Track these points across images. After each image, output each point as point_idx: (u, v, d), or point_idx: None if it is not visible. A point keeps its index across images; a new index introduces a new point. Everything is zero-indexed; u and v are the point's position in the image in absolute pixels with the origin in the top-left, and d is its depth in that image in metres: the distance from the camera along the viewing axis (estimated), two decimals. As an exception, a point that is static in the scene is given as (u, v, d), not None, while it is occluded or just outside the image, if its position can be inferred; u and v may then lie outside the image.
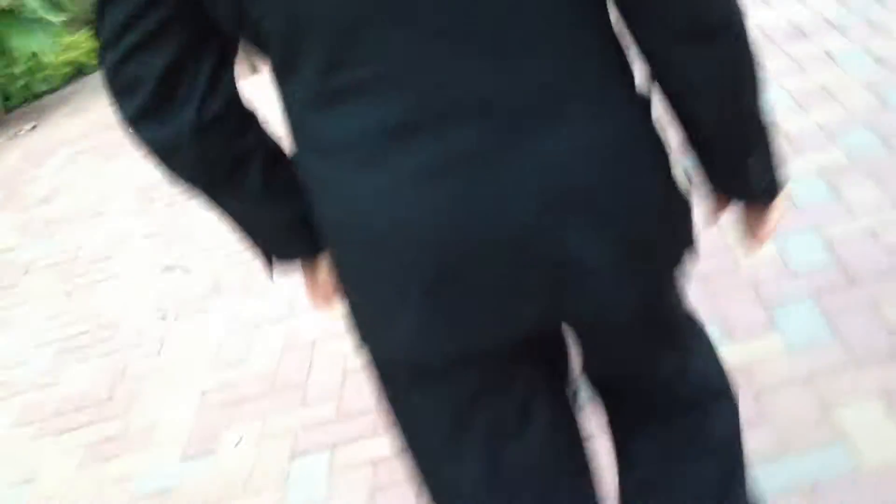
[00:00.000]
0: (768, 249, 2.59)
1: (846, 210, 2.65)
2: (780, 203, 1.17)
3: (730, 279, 2.53)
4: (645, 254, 1.07)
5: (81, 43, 6.97)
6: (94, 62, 6.93)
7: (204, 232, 3.79)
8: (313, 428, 2.49)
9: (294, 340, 2.89)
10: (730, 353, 2.20)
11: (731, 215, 1.23)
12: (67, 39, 6.78)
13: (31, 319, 3.53)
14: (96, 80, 7.01)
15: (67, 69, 6.93)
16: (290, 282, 3.17)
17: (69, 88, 6.95)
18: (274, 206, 1.13)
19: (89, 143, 5.53)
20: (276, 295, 3.14)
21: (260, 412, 2.61)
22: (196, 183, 1.11)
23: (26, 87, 6.70)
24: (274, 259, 1.20)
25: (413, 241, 1.00)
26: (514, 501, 1.20)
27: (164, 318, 3.24)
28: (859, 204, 2.66)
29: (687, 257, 1.15)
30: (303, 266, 1.21)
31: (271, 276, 1.25)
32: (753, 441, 1.98)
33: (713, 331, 2.36)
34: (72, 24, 6.76)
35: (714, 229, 2.74)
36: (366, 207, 1.01)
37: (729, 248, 2.64)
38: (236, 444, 2.51)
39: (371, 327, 1.12)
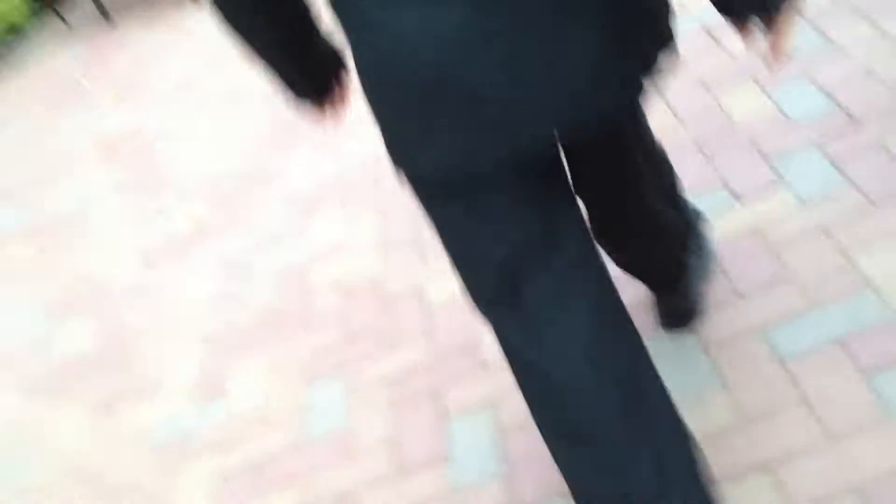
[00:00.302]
0: (763, 103, 2.49)
1: (837, 50, 2.55)
2: (792, 11, 1.15)
3: (728, 140, 2.45)
4: (625, 50, 1.15)
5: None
6: (26, 17, 6.63)
7: (177, 176, 3.65)
8: (321, 354, 2.42)
9: (287, 270, 2.79)
10: (741, 217, 2.15)
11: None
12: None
13: (14, 288, 3.42)
14: (31, 37, 6.73)
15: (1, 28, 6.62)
16: (274, 213, 3.08)
17: (4, 48, 6.66)
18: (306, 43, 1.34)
19: (35, 101, 5.31)
20: (261, 228, 3.04)
21: (265, 346, 2.53)
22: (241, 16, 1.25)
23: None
24: (299, 99, 1.41)
25: (440, 72, 1.11)
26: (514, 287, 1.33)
27: (150, 267, 3.13)
28: (850, 43, 2.55)
29: (664, 59, 1.22)
30: (321, 105, 1.44)
31: (301, 114, 1.57)
32: (778, 300, 1.93)
33: (720, 196, 2.32)
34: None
35: (704, 91, 2.66)
36: (400, 43, 1.11)
37: (722, 109, 2.54)
38: (247, 382, 2.44)
39: (404, 151, 1.23)
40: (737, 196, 2.26)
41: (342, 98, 1.47)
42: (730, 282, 2.04)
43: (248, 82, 4.19)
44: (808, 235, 2.06)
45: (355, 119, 3.45)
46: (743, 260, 2.07)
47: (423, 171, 1.24)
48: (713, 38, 2.88)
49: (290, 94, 1.42)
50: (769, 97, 2.51)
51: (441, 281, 2.46)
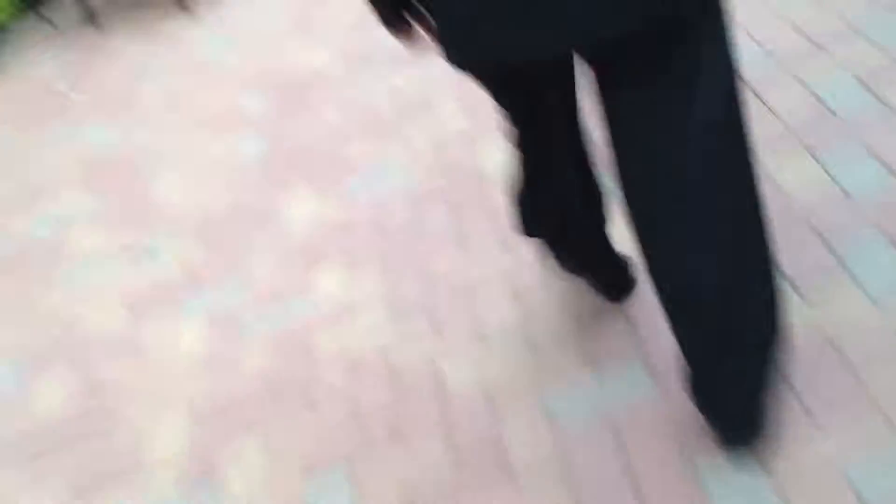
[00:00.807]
0: (816, 173, 2.28)
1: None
2: None
3: (780, 217, 2.23)
4: None
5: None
6: (9, 17, 6.32)
7: (166, 206, 3.40)
8: (324, 438, 2.18)
9: (286, 334, 2.55)
10: (805, 316, 1.90)
11: None
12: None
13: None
14: (14, 37, 6.43)
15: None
16: (271, 263, 2.83)
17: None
18: None
19: (14, 110, 5.03)
20: (258, 281, 2.79)
21: (261, 423, 2.29)
22: None
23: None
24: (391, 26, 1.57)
25: None
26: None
27: (135, 315, 2.88)
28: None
29: None
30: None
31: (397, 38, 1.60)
32: (858, 430, 1.67)
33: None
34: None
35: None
36: None
37: (771, 179, 2.33)
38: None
39: (453, 46, 1.38)
40: (796, 288, 2.03)
41: (417, 33, 1.60)
42: (801, 403, 1.80)
43: (245, 102, 3.93)
44: (885, 346, 1.84)
45: (358, 154, 3.21)
46: (813, 374, 1.84)
47: (472, 63, 1.42)
48: (757, 95, 2.66)
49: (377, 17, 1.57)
50: (823, 167, 2.30)
51: (458, 359, 2.23)
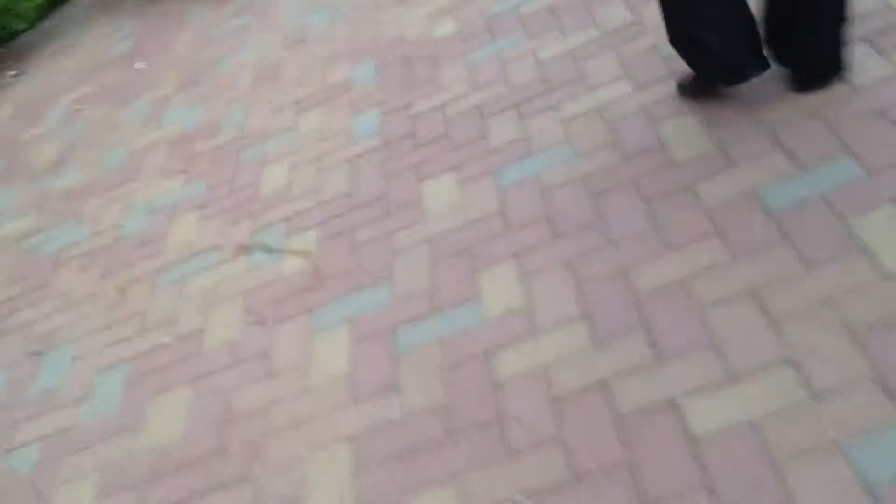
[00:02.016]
0: None
1: None
2: None
3: None
4: None
5: (51, -35, 5.95)
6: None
7: (278, 196, 2.98)
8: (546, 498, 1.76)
9: (454, 351, 2.12)
10: None
11: None
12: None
13: (80, 334, 2.76)
14: (75, 7, 6.03)
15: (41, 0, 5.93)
16: (418, 264, 2.39)
17: (47, 23, 5.98)
18: None
19: (89, 87, 4.63)
20: (408, 284, 2.37)
21: (446, 471, 1.87)
22: None
23: (-1, 27, 5.71)
24: None
25: None
26: None
27: (261, 324, 2.47)
28: None
29: None
30: None
31: None
32: None
33: None
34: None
35: None
36: None
37: None
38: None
39: None
40: None
41: None
42: None
43: (355, 75, 3.49)
44: None
45: (500, 132, 2.76)
46: None
47: None
48: None
49: None
50: None
51: (703, 396, 1.79)
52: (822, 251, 1.91)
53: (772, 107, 2.33)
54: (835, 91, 2.27)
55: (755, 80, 2.34)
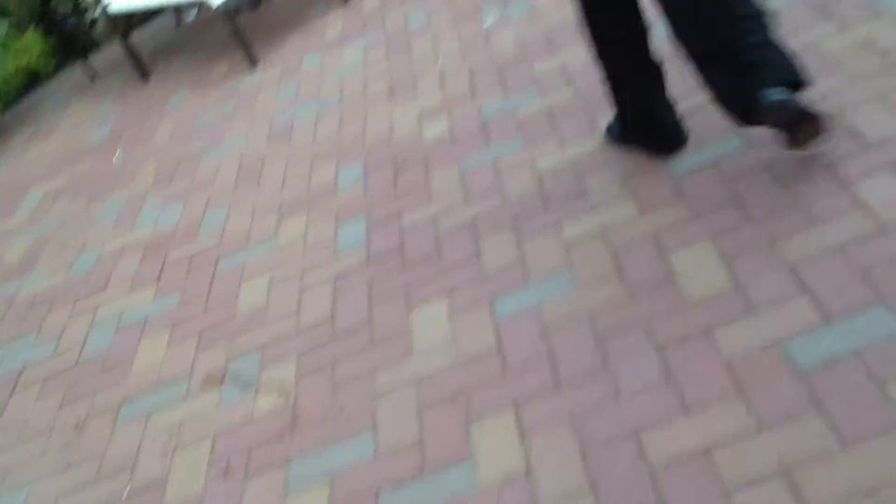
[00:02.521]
0: None
1: None
2: None
3: None
4: None
5: (32, 45, 5.79)
6: (50, 66, 5.77)
7: (255, 307, 2.76)
8: None
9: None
10: None
11: None
12: (16, 44, 5.60)
13: (34, 475, 2.51)
14: (55, 88, 5.86)
15: (21, 78, 5.76)
16: (412, 412, 2.15)
17: (26, 102, 5.81)
18: None
19: (63, 178, 4.43)
20: (396, 438, 2.13)
21: None
22: None
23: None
24: None
25: None
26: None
27: (229, 476, 2.22)
28: None
29: None
30: None
31: None
32: None
33: None
34: (17, 29, 5.60)
35: None
36: None
37: None
38: None
39: None
40: None
41: None
42: None
43: (341, 176, 3.30)
44: None
45: (502, 252, 2.55)
46: None
47: None
48: None
49: None
50: None
51: None
52: (859, 423, 1.69)
53: (791, 240, 2.12)
54: (860, 225, 2.07)
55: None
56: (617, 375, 2.02)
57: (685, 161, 2.53)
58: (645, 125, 2.57)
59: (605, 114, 2.85)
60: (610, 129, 2.74)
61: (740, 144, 2.48)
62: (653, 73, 2.52)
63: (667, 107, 2.55)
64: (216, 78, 4.87)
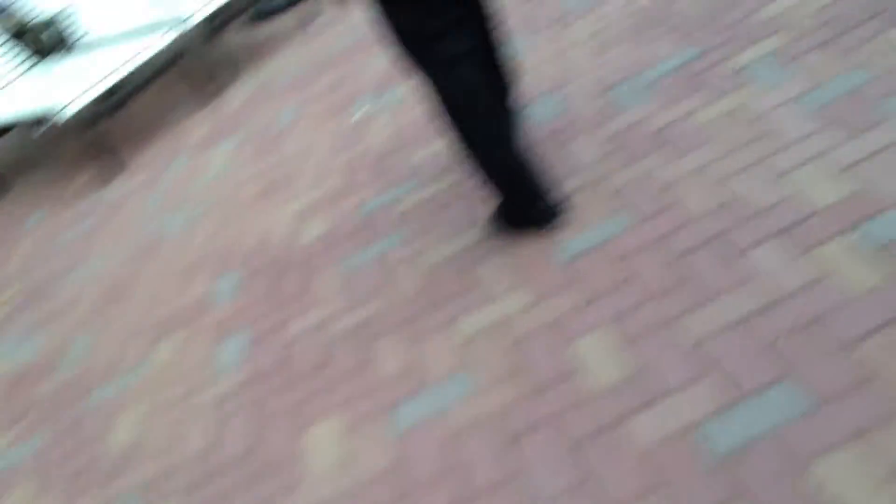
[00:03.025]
0: None
1: None
2: None
3: None
4: None
5: None
6: None
7: (129, 443, 2.50)
8: None
9: None
10: None
11: None
12: None
13: None
14: None
15: None
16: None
17: None
18: None
19: None
20: None
21: None
22: None
23: None
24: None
25: None
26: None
27: None
28: None
29: None
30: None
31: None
32: None
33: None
34: None
35: None
36: None
37: None
38: None
39: None
40: None
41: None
42: None
43: (216, 289, 3.10)
44: None
45: (397, 359, 2.40)
46: None
47: None
48: None
49: None
50: None
51: None
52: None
53: (690, 318, 2.05)
54: (758, 296, 2.02)
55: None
56: (532, 481, 1.89)
57: (572, 244, 2.46)
58: (524, 201, 2.53)
59: (487, 202, 2.77)
60: (492, 218, 2.67)
61: (626, 223, 2.42)
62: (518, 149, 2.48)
63: (540, 179, 2.50)
64: (78, 189, 4.63)
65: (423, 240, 2.83)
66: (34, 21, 5.29)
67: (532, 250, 2.52)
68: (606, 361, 2.05)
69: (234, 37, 5.95)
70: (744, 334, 1.94)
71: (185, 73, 5.46)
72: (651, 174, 2.57)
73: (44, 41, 5.27)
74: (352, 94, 4.14)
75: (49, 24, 5.23)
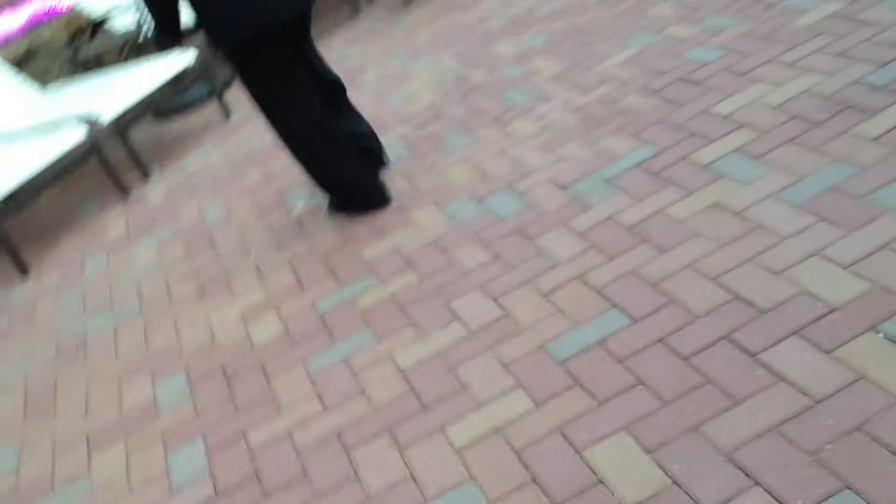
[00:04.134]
0: None
1: None
2: None
3: None
4: None
5: None
6: None
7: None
8: None
9: None
10: None
11: None
12: None
13: None
14: None
15: None
16: None
17: None
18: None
19: None
20: None
21: None
22: None
23: None
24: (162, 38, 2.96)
25: None
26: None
27: None
28: None
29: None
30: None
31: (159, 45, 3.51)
32: None
33: None
34: None
35: None
36: None
37: None
38: None
39: (241, 21, 2.89)
40: None
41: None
42: None
43: (158, 393, 2.83)
44: None
45: (369, 454, 2.21)
46: None
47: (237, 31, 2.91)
48: None
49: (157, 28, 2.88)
50: None
51: None
52: None
53: (717, 425, 1.96)
54: (789, 400, 1.94)
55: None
56: None
57: (567, 343, 2.35)
58: (354, 189, 3.37)
59: (458, 295, 2.66)
60: (329, 206, 3.48)
61: (620, 322, 2.34)
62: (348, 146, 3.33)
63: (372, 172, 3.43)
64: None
65: (391, 339, 2.67)
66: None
67: (523, 350, 2.41)
68: (631, 472, 1.93)
69: (148, 131, 5.72)
70: (781, 443, 1.85)
71: (93, 169, 5.19)
72: (636, 271, 2.51)
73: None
74: (281, 188, 3.99)
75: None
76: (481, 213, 3.12)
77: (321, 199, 3.69)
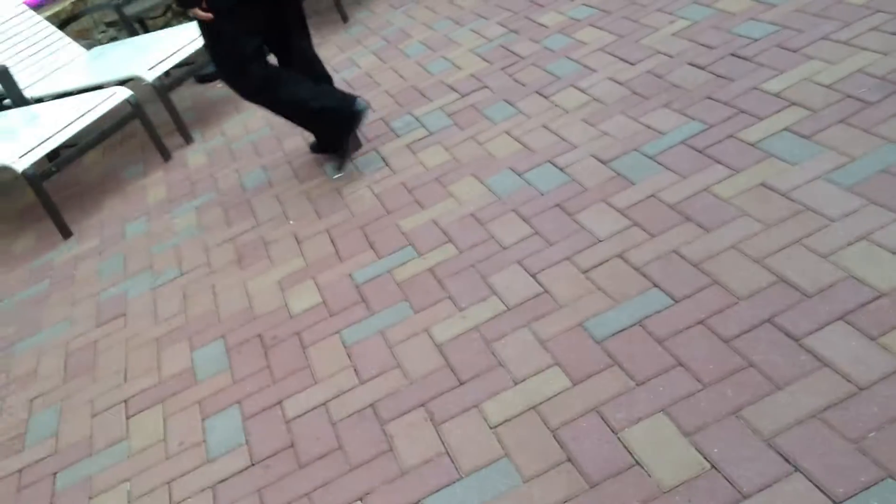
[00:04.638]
0: None
1: None
2: None
3: None
4: None
5: None
6: None
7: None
8: None
9: None
10: None
11: None
12: None
13: None
14: None
15: None
16: None
17: None
18: None
19: None
20: None
21: None
22: None
23: None
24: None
25: None
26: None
27: None
28: None
29: None
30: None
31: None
32: None
33: None
34: None
35: None
36: None
37: None
38: None
39: None
40: None
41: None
42: None
43: (189, 362, 2.85)
44: None
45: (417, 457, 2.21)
46: None
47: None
48: None
49: None
50: None
51: None
52: None
53: (757, 410, 1.92)
54: (827, 388, 1.90)
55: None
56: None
57: (606, 322, 2.33)
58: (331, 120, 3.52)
59: (496, 269, 2.64)
60: (312, 147, 3.96)
61: (660, 302, 2.30)
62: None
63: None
64: (23, 252, 4.31)
65: (429, 312, 2.66)
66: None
67: (562, 327, 2.38)
68: (668, 454, 1.90)
69: (190, 95, 5.73)
70: (823, 429, 1.81)
71: (134, 133, 5.22)
72: (678, 250, 2.47)
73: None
74: (320, 156, 3.97)
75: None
76: (521, 187, 3.09)
77: (359, 163, 3.68)
